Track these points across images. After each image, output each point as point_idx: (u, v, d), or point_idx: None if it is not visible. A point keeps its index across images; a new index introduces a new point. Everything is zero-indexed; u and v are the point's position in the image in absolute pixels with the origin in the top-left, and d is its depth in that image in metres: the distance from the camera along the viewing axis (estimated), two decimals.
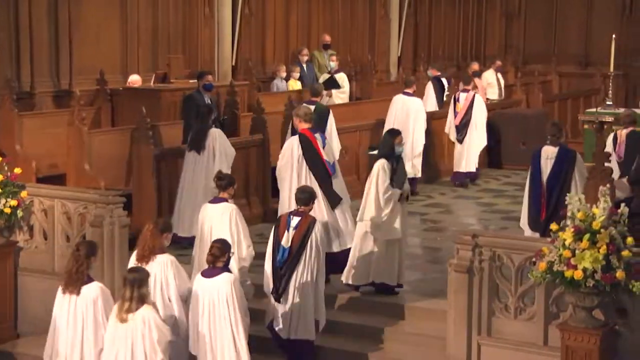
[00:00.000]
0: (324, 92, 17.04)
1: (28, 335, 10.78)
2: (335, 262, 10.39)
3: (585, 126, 18.05)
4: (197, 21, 18.67)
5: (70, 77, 15.98)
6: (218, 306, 8.57)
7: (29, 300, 10.93)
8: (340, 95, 18.16)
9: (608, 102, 18.50)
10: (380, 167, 10.28)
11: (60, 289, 8.53)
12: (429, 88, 17.81)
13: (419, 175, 15.56)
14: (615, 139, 13.30)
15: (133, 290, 7.91)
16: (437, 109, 17.42)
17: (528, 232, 10.92)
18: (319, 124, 13.24)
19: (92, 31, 16.41)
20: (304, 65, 18.89)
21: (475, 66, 19.66)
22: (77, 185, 12.32)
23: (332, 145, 12.90)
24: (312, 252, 9.37)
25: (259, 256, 9.91)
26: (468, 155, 16.42)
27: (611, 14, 25.47)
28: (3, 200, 10.57)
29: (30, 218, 11.01)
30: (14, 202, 10.55)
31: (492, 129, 17.37)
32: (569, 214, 8.05)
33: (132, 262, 8.84)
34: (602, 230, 7.83)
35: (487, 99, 18.80)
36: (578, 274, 7.76)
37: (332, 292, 10.08)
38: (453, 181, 16.55)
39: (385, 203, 10.21)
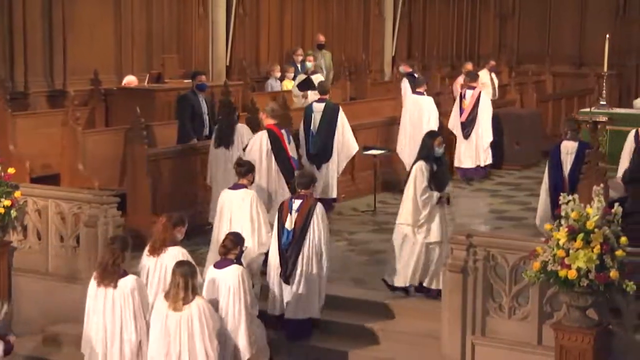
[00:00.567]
0: (300, 94, 17.09)
1: (22, 336, 10.73)
2: None
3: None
4: (191, 21, 18.67)
5: (64, 77, 15.97)
6: (226, 297, 8.64)
7: (22, 301, 10.89)
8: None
9: (602, 102, 18.56)
10: (418, 168, 10.16)
11: (93, 283, 8.56)
12: (405, 85, 17.67)
13: None
14: (636, 135, 13.32)
15: (187, 281, 8.06)
16: None
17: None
18: (330, 121, 13.35)
19: (86, 31, 16.40)
20: (298, 65, 18.88)
21: (469, 66, 19.69)
22: (71, 186, 12.32)
23: (346, 142, 13.46)
24: (315, 233, 9.63)
25: None
26: (477, 150, 16.70)
27: (605, 14, 25.51)
28: None
29: (24, 218, 10.99)
30: (7, 202, 10.49)
31: None
32: (562, 213, 8.06)
33: (145, 254, 8.98)
34: (596, 230, 7.83)
35: None
36: (572, 274, 7.77)
37: (329, 293, 10.05)
38: (462, 176, 16.73)
39: (422, 205, 10.10)
